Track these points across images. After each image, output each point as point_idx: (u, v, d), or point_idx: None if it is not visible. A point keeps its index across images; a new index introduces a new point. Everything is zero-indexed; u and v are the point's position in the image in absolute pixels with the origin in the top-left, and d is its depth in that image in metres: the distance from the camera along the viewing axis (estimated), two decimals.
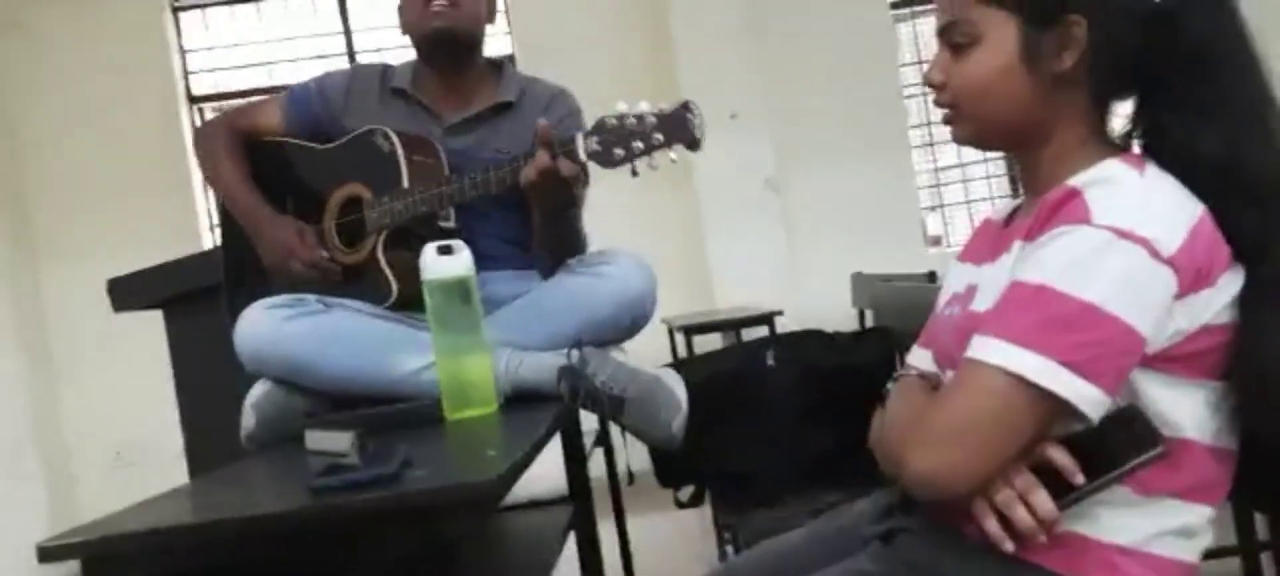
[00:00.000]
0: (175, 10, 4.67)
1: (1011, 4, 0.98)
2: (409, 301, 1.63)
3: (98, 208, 4.40)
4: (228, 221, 1.89)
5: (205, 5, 4.71)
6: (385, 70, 1.89)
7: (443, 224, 1.69)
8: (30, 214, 4.48)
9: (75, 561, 0.91)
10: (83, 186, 4.45)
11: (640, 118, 1.44)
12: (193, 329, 2.38)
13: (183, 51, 4.72)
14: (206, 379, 2.26)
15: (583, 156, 1.48)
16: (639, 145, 1.44)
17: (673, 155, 1.44)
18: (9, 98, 4.45)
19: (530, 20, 4.61)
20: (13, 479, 4.07)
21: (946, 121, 1.07)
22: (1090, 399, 0.87)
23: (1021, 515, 0.89)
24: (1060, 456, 0.89)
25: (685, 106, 1.44)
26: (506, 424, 1.39)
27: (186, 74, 4.72)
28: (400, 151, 1.68)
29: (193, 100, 4.73)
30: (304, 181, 1.82)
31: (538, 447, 1.18)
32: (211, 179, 1.91)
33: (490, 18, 1.87)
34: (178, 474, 2.42)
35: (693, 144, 1.43)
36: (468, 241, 1.48)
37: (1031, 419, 0.89)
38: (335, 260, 1.75)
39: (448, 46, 1.79)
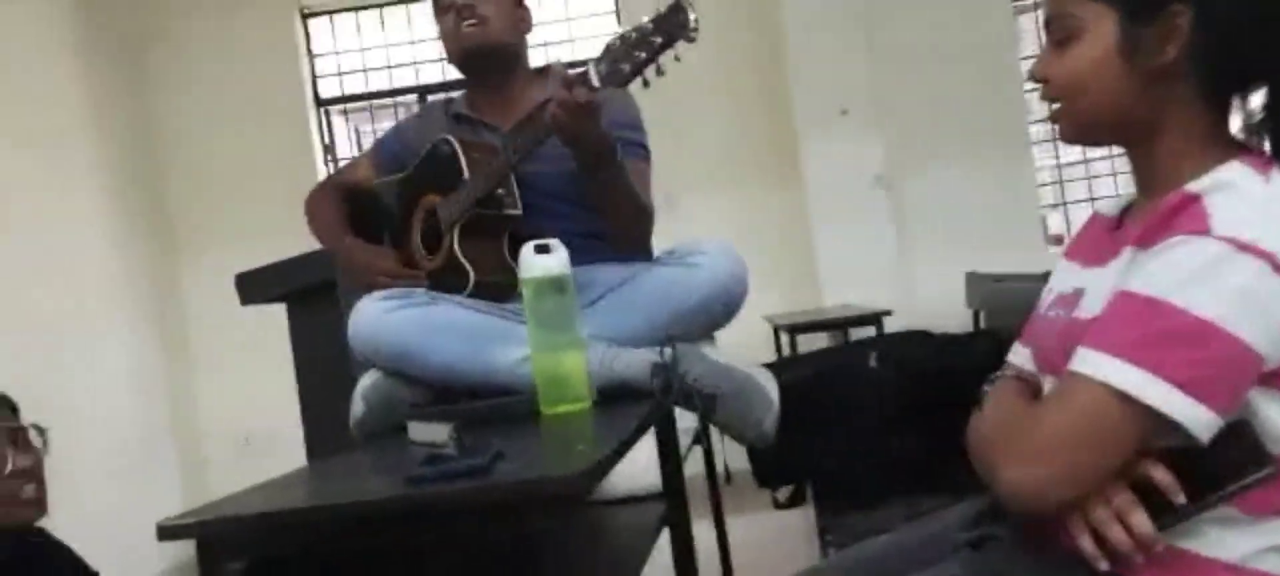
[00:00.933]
0: (304, 17, 4.89)
1: None
2: (486, 289, 1.71)
3: (232, 206, 4.65)
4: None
5: (333, 12, 4.92)
6: (448, 101, 2.02)
7: (507, 211, 1.77)
8: (171, 212, 4.76)
9: (192, 540, 0.97)
10: (219, 186, 4.70)
11: (638, 28, 1.52)
12: (313, 321, 2.49)
13: (311, 56, 4.94)
14: (325, 369, 2.36)
15: (597, 82, 1.54)
16: (641, 55, 1.51)
17: (676, 54, 1.50)
18: (155, 102, 4.74)
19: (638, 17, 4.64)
20: (150, 463, 4.34)
21: (1053, 119, 1.04)
22: (1201, 420, 0.83)
23: (1118, 535, 0.85)
24: (1162, 475, 0.85)
25: (676, 4, 1.49)
26: (599, 420, 1.41)
27: (315, 78, 4.94)
28: (459, 149, 1.78)
29: (320, 103, 4.94)
30: (394, 210, 1.95)
31: (627, 444, 1.19)
32: (315, 233, 2.07)
33: (526, 27, 1.96)
34: (300, 460, 2.55)
35: (689, 36, 1.48)
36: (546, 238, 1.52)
37: (1134, 436, 0.86)
38: (420, 267, 1.84)
39: (484, 61, 1.89)
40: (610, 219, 1.76)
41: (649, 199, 1.84)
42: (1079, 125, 1.02)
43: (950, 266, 4.07)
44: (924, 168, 4.44)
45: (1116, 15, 0.95)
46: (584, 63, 1.61)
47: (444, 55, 1.98)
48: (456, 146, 1.78)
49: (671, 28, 1.49)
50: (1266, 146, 0.95)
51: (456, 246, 1.76)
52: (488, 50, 1.87)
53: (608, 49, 1.54)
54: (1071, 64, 0.98)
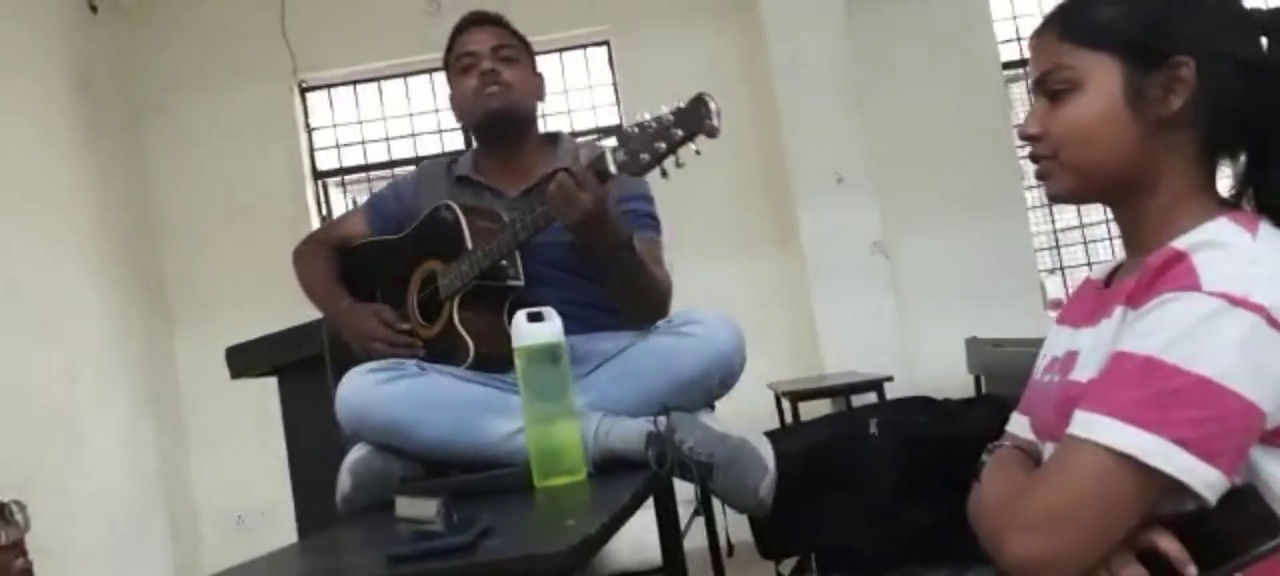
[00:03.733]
0: (303, 91, 4.94)
1: (1115, 45, 0.94)
2: (487, 361, 1.67)
3: (228, 279, 4.63)
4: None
5: (330, 86, 4.97)
6: (450, 162, 2.00)
7: (511, 282, 1.73)
8: (167, 286, 4.75)
9: None
10: (215, 259, 4.69)
11: (659, 119, 1.49)
12: (304, 395, 2.47)
13: (309, 130, 4.97)
14: (316, 444, 2.33)
15: (612, 169, 1.51)
16: (661, 146, 1.48)
17: (696, 148, 1.47)
18: (153, 176, 4.77)
19: (635, 89, 4.69)
20: (142, 538, 4.26)
21: (1041, 176, 1.02)
22: (1208, 481, 0.80)
23: None
24: (1170, 545, 0.82)
25: (699, 99, 1.47)
26: (594, 492, 1.38)
27: (313, 150, 4.97)
28: (462, 218, 1.75)
29: (318, 176, 4.97)
30: (388, 271, 1.91)
31: (619, 518, 1.16)
32: (304, 287, 2.03)
33: (540, 97, 1.96)
34: (294, 536, 2.50)
35: (711, 131, 1.46)
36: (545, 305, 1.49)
37: (1139, 501, 0.82)
38: (417, 335, 1.81)
39: (502, 126, 1.88)
40: (625, 303, 1.73)
41: (665, 272, 1.81)
42: (1078, 180, 0.99)
43: (950, 331, 4.05)
44: (921, 233, 4.45)
45: (1120, 64, 0.94)
46: (589, 133, 1.60)
47: (458, 117, 1.97)
48: (459, 214, 1.75)
49: (693, 122, 1.47)
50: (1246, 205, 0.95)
51: (456, 317, 1.72)
52: (508, 116, 1.87)
53: (626, 136, 1.51)
54: (1074, 115, 0.96)
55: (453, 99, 1.95)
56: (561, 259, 1.79)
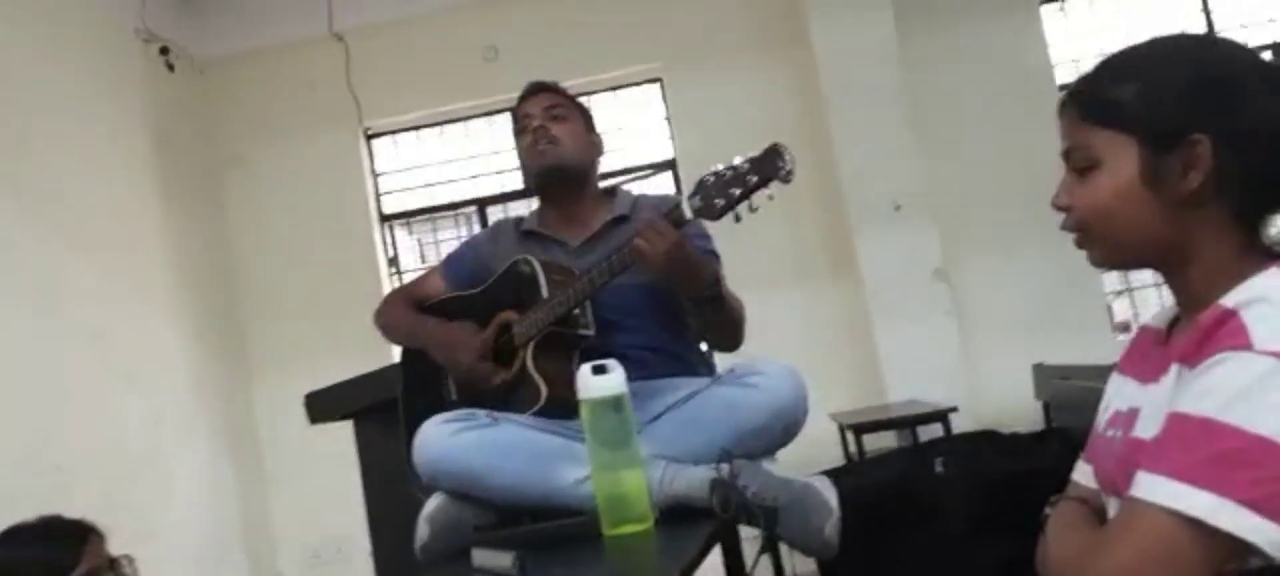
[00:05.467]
0: (368, 138, 5.10)
1: (1130, 126, 0.95)
2: (559, 405, 1.73)
3: (301, 322, 4.78)
4: (406, 354, 2.11)
5: (395, 132, 5.11)
6: (518, 220, 2.11)
7: (582, 331, 1.80)
8: (244, 330, 4.92)
9: None
10: (290, 303, 4.85)
11: (734, 167, 1.56)
12: (379, 438, 2.54)
13: (375, 175, 5.12)
14: (391, 485, 2.40)
15: (689, 215, 1.59)
16: (736, 191, 1.55)
17: (770, 193, 1.54)
18: (230, 226, 4.96)
19: (690, 127, 4.74)
20: (223, 574, 4.40)
21: (1079, 245, 1.04)
22: (1274, 539, 0.81)
23: None
24: None
25: (774, 148, 1.54)
26: (661, 542, 1.41)
27: (379, 195, 5.11)
28: (539, 270, 1.83)
29: (384, 219, 5.11)
30: (468, 323, 1.96)
31: (690, 569, 1.19)
32: (393, 332, 2.13)
33: (596, 153, 2.06)
34: (367, 573, 2.57)
35: (785, 177, 1.52)
36: (616, 354, 1.55)
37: (1205, 561, 0.83)
38: (492, 379, 1.86)
39: (556, 180, 1.98)
40: (711, 334, 1.84)
41: (738, 299, 1.88)
42: (1109, 252, 1.02)
43: (1015, 359, 4.00)
44: (983, 259, 4.40)
45: (1136, 145, 0.95)
46: (644, 168, 1.67)
47: (524, 176, 2.07)
48: (537, 267, 1.84)
49: (768, 169, 1.54)
50: None
51: (530, 362, 1.79)
52: (560, 171, 1.97)
53: (701, 183, 1.59)
54: (1095, 194, 0.98)
55: (520, 160, 2.06)
56: (631, 305, 1.86)
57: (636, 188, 2.19)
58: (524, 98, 2.04)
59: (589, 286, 1.73)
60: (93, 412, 3.63)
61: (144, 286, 4.19)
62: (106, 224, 3.98)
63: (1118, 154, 0.96)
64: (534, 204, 2.12)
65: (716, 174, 1.57)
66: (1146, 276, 4.83)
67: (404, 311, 2.09)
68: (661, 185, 4.80)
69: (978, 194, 4.44)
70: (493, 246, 2.07)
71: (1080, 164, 0.99)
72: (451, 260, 2.14)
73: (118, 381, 3.83)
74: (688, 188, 1.63)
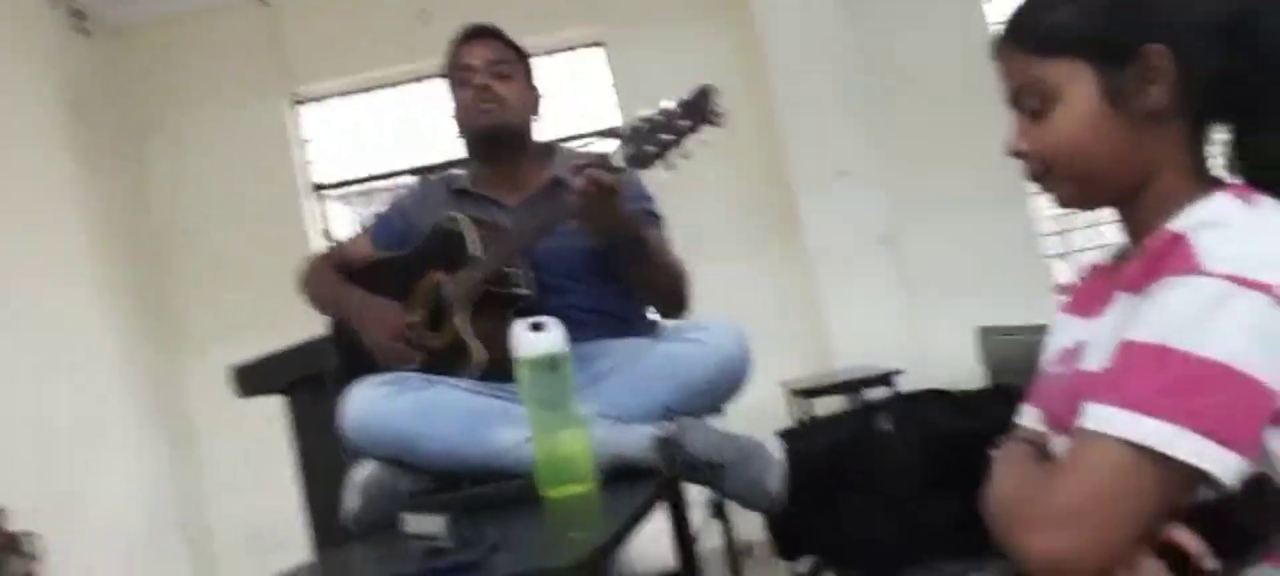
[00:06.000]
0: (296, 104, 4.93)
1: (1081, 49, 0.91)
2: (495, 370, 1.66)
3: (232, 296, 4.62)
4: (339, 337, 2.00)
5: (324, 98, 4.96)
6: (448, 177, 2.02)
7: (516, 289, 1.72)
8: (171, 306, 4.74)
9: None
10: (218, 277, 4.69)
11: (664, 111, 1.48)
12: (312, 412, 2.45)
13: (303, 143, 4.96)
14: (326, 460, 2.32)
15: (621, 164, 1.51)
16: (668, 136, 1.47)
17: (703, 138, 1.47)
18: (152, 197, 4.77)
19: (634, 92, 4.67)
20: (159, 561, 4.26)
21: (1044, 189, 0.99)
22: (1230, 467, 0.78)
23: None
24: (1189, 540, 0.80)
25: (703, 90, 1.47)
26: (603, 501, 1.36)
27: (309, 164, 4.96)
28: (465, 226, 1.75)
29: (315, 188, 4.96)
30: (395, 288, 1.89)
31: (628, 527, 1.14)
32: (317, 302, 2.03)
33: (536, 110, 1.97)
34: (308, 551, 2.49)
35: (716, 121, 1.45)
36: (555, 314, 1.48)
37: (1159, 492, 0.80)
38: (426, 345, 1.78)
39: (497, 140, 1.89)
40: (646, 290, 1.75)
41: (678, 259, 1.82)
42: (1080, 189, 0.97)
43: (959, 321, 4.02)
44: (927, 223, 4.41)
45: (1091, 67, 0.91)
46: (587, 136, 1.60)
47: (458, 127, 1.96)
48: (463, 222, 1.75)
49: (698, 112, 1.47)
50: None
51: (464, 326, 1.71)
52: (502, 132, 1.89)
53: (631, 131, 1.51)
54: (1057, 130, 0.94)
55: (454, 114, 1.96)
56: (569, 266, 1.79)
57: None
58: (463, 41, 1.93)
59: (519, 238, 1.66)
60: (12, 395, 3.46)
61: (60, 262, 4.01)
62: (19, 196, 3.78)
63: (1073, 82, 0.92)
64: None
65: (646, 120, 1.49)
66: (1087, 238, 4.91)
67: (327, 278, 1.99)
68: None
69: (921, 158, 4.44)
70: (422, 206, 1.98)
71: (1033, 103, 0.95)
72: (379, 221, 2.05)
73: (38, 361, 3.67)
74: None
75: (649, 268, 1.70)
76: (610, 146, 1.53)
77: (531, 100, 1.96)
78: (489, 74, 1.88)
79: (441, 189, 1.99)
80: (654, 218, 1.89)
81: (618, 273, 1.73)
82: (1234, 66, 0.89)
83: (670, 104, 1.48)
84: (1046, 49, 0.93)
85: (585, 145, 4.88)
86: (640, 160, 1.50)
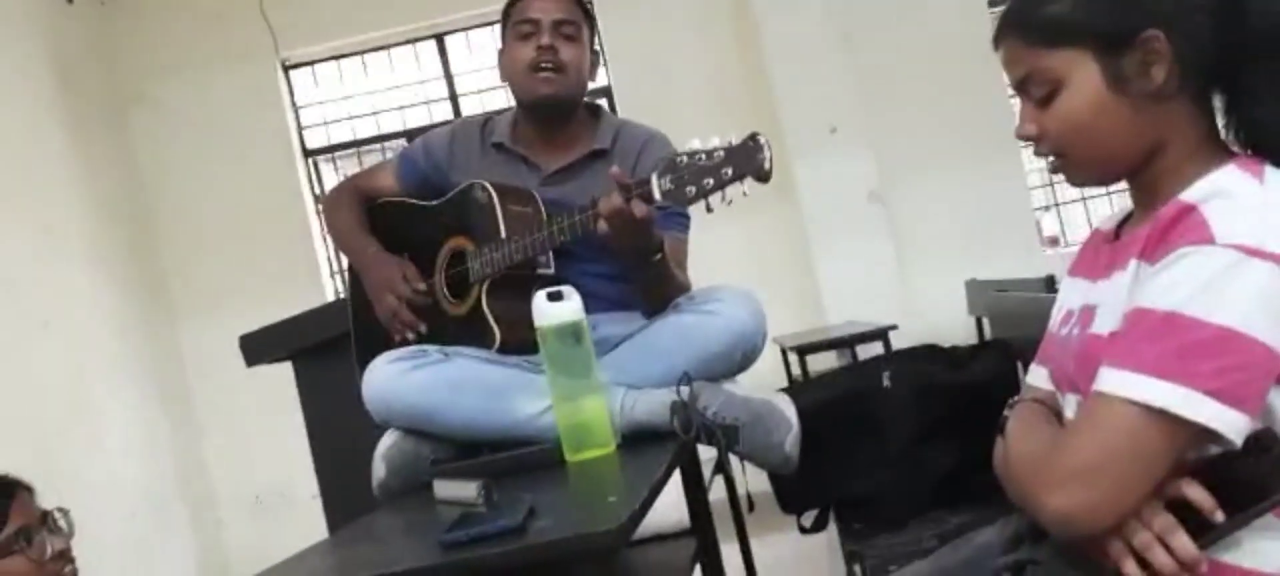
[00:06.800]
0: (286, 69, 4.90)
1: (1080, 39, 0.95)
2: (513, 347, 1.68)
3: (227, 263, 4.63)
4: (355, 276, 1.99)
5: (313, 62, 4.93)
6: (485, 123, 1.94)
7: (541, 271, 1.72)
8: (165, 274, 4.75)
9: None
10: (212, 244, 4.69)
11: (710, 154, 1.44)
12: (321, 378, 2.48)
13: (295, 108, 4.94)
14: (336, 424, 2.36)
15: (657, 197, 1.47)
16: (710, 182, 1.43)
17: (744, 189, 1.43)
18: (142, 165, 4.74)
19: (626, 54, 4.67)
20: (162, 528, 4.30)
21: (1056, 170, 1.04)
22: (1236, 426, 0.84)
23: (1163, 559, 0.85)
24: (1199, 494, 0.85)
25: (753, 138, 1.42)
26: (625, 464, 1.41)
27: (300, 129, 4.94)
28: (497, 203, 1.71)
29: (307, 154, 4.94)
30: (417, 238, 1.89)
31: (657, 489, 1.19)
32: (332, 233, 2.02)
33: (592, 75, 1.90)
34: (313, 514, 2.53)
35: (761, 176, 1.41)
36: (572, 285, 1.51)
37: (1170, 450, 0.86)
38: (443, 311, 1.80)
39: (551, 109, 1.83)
40: (642, 292, 1.72)
41: (685, 274, 1.79)
42: (1095, 170, 1.02)
43: (950, 276, 4.08)
44: (917, 180, 4.46)
45: (1092, 55, 0.95)
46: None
47: (504, 78, 1.87)
48: (494, 197, 1.71)
49: (744, 162, 1.41)
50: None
51: (485, 302, 1.71)
52: (557, 103, 1.82)
53: (674, 164, 1.46)
54: (1065, 115, 0.97)
55: (502, 57, 1.88)
56: (587, 238, 1.78)
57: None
58: None
59: (549, 241, 1.64)
60: (8, 367, 3.47)
61: (52, 230, 3.99)
62: (8, 168, 3.76)
63: (1077, 70, 0.96)
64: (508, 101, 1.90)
65: (690, 155, 1.45)
66: (1074, 191, 4.97)
67: (350, 210, 1.95)
68: None
69: (910, 115, 4.47)
70: (452, 152, 1.91)
71: (1039, 91, 0.98)
72: (406, 158, 1.98)
73: (34, 332, 3.67)
74: (658, 165, 1.49)
75: (655, 283, 1.68)
76: (654, 172, 1.48)
77: (591, 65, 1.88)
78: (555, 35, 1.80)
79: (475, 136, 1.91)
80: (682, 218, 1.85)
81: (624, 272, 1.71)
82: (1226, 41, 0.92)
83: (718, 145, 1.44)
84: (1049, 39, 0.97)
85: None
86: (679, 198, 1.46)
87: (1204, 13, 0.92)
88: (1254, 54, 0.92)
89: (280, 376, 2.63)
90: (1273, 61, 0.92)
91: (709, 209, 1.47)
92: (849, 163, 4.20)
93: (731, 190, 1.43)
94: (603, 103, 4.71)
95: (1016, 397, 1.13)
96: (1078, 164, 1.01)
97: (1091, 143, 0.98)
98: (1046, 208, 5.01)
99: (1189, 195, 0.89)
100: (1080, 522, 0.88)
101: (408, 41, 4.89)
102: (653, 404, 1.54)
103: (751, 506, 2.06)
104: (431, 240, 1.85)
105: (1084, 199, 4.95)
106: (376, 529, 1.34)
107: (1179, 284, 0.86)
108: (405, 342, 1.78)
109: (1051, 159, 1.03)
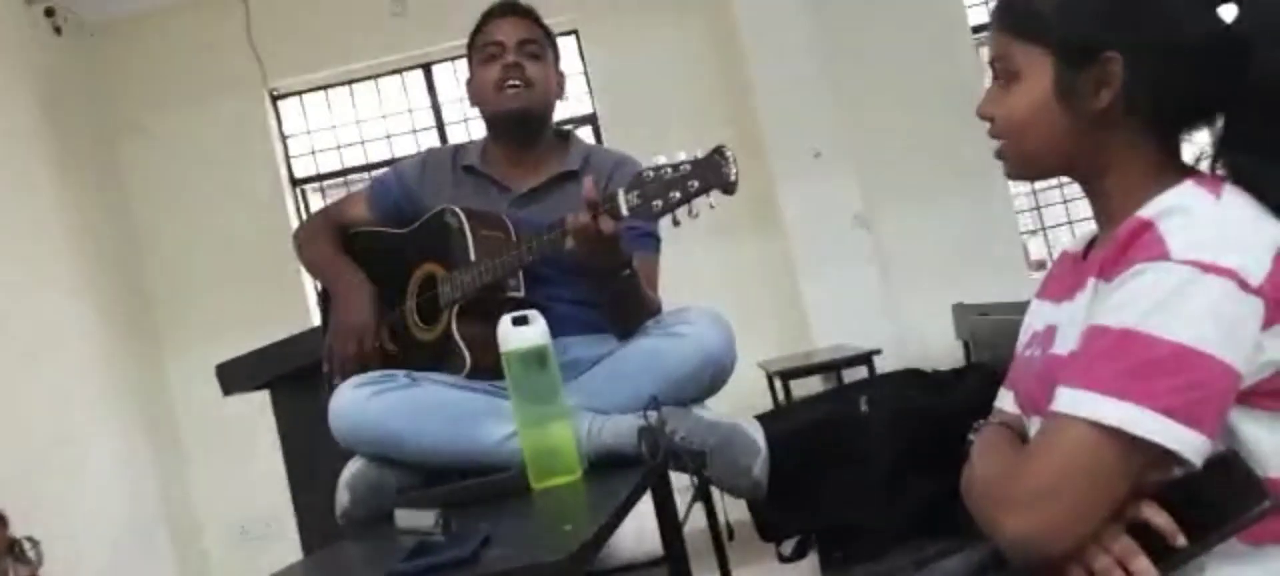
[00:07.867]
0: (274, 99, 4.91)
1: (1046, 40, 0.95)
2: (485, 371, 1.66)
3: (213, 293, 4.61)
4: (327, 305, 1.97)
5: (301, 92, 4.93)
6: (456, 150, 1.96)
7: (511, 294, 1.71)
8: (152, 304, 4.72)
9: None
10: (198, 274, 4.68)
11: (676, 167, 1.45)
12: (298, 407, 2.46)
13: (283, 137, 4.94)
14: (314, 454, 2.33)
15: (624, 212, 1.48)
16: (676, 195, 1.44)
17: (711, 202, 1.43)
18: (130, 196, 4.74)
19: (610, 78, 4.68)
20: (147, 559, 4.26)
21: (997, 155, 1.04)
22: (1195, 446, 0.82)
23: None
24: (1159, 518, 0.83)
25: (718, 151, 1.43)
26: (590, 492, 1.39)
27: (288, 158, 4.94)
28: (467, 227, 1.71)
29: (295, 183, 4.94)
30: (389, 265, 1.88)
31: (618, 516, 1.17)
32: (307, 264, 2.01)
33: (560, 95, 1.92)
34: (298, 545, 2.51)
35: (727, 188, 1.42)
36: (542, 309, 1.49)
37: (1127, 471, 0.84)
38: (414, 337, 1.79)
39: (519, 125, 1.85)
40: (611, 314, 1.71)
41: (655, 296, 1.79)
42: (1022, 164, 1.03)
43: (936, 300, 4.07)
44: (902, 204, 4.46)
45: (1052, 60, 0.95)
46: (563, 123, 1.54)
47: (474, 103, 1.90)
48: (464, 222, 1.72)
49: (710, 175, 1.42)
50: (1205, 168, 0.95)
51: (454, 327, 1.71)
52: (526, 116, 1.84)
53: (640, 179, 1.47)
54: (1011, 106, 0.99)
55: (471, 84, 1.91)
56: (555, 262, 1.78)
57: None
58: (494, 16, 1.87)
59: (520, 260, 1.64)
60: None
61: (39, 262, 3.98)
62: None
63: (1034, 67, 0.97)
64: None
65: (656, 170, 1.46)
66: (1060, 215, 4.97)
67: (325, 241, 1.94)
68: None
69: (895, 139, 4.48)
70: (423, 178, 1.93)
71: (1002, 75, 1.00)
72: (378, 187, 1.99)
73: (18, 363, 3.64)
74: (625, 180, 1.50)
75: (624, 302, 1.67)
76: (621, 188, 1.49)
77: (558, 84, 1.91)
78: (520, 53, 1.83)
79: (446, 162, 1.93)
80: (653, 241, 1.85)
81: (593, 294, 1.70)
82: (1211, 83, 0.92)
83: (684, 159, 1.45)
84: (1021, 30, 0.98)
85: (569, 125, 4.83)
86: (646, 212, 1.47)
87: (1174, 54, 0.91)
88: (1245, 100, 0.92)
89: (266, 406, 2.61)
90: (1263, 111, 0.91)
91: (676, 222, 1.47)
92: (834, 187, 4.21)
93: (698, 203, 1.44)
94: (587, 129, 4.73)
95: (981, 421, 1.12)
96: (1007, 156, 1.03)
97: (1022, 140, 1.00)
98: (1034, 231, 5.01)
99: (1146, 211, 0.88)
100: (1038, 545, 0.86)
101: (395, 71, 4.90)
102: (620, 429, 1.53)
103: (731, 535, 2.03)
104: (403, 267, 1.84)
105: (1071, 222, 4.95)
106: (334, 559, 1.32)
107: (1134, 301, 0.85)
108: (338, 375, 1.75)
109: (996, 143, 1.04)
